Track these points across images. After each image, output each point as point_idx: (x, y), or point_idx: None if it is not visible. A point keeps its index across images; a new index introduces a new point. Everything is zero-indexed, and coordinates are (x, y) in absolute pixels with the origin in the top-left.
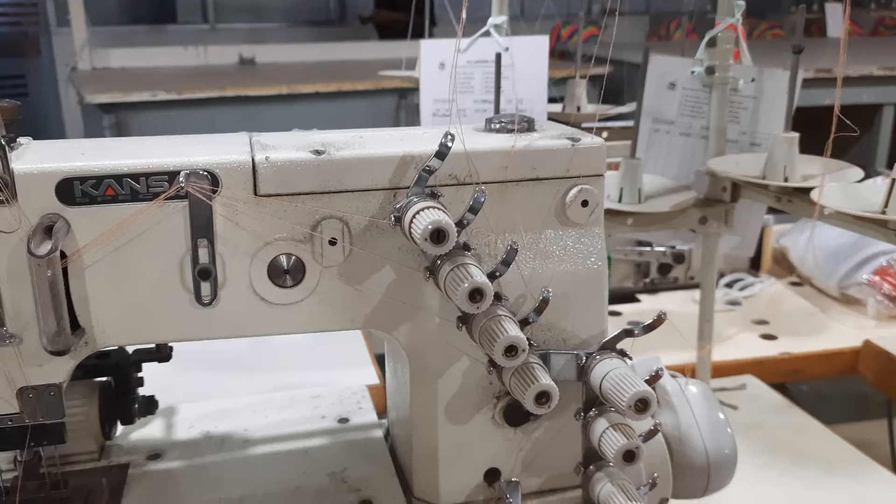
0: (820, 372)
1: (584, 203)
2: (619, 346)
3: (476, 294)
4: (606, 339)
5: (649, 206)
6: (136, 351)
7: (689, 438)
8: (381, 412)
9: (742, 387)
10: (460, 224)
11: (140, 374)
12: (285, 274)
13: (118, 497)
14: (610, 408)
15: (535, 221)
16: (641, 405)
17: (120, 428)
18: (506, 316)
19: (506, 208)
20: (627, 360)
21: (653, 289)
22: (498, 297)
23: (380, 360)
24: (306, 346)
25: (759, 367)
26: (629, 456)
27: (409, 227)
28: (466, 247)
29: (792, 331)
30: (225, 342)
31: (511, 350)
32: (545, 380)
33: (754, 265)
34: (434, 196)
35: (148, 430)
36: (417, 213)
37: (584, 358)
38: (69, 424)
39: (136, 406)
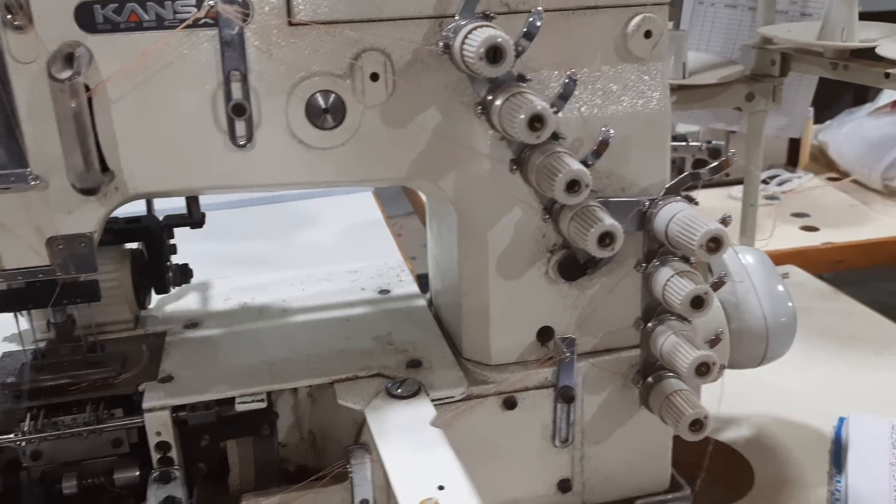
0: (863, 262)
1: (647, 34)
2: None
3: (536, 121)
4: (669, 183)
5: (694, 81)
6: (167, 217)
7: (746, 304)
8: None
9: (785, 276)
10: (514, 51)
11: (172, 242)
12: (324, 113)
13: (157, 360)
14: (673, 256)
15: (592, 55)
16: (714, 244)
17: (154, 299)
18: (565, 152)
19: (562, 40)
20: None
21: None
22: (555, 136)
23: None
24: (335, 248)
25: (801, 258)
26: (698, 302)
27: (462, 48)
28: (521, 78)
29: (833, 223)
30: (252, 241)
31: (573, 185)
32: (608, 220)
33: (791, 161)
34: (487, 17)
35: (182, 302)
36: (471, 31)
37: (647, 204)
38: (101, 291)
39: (170, 274)
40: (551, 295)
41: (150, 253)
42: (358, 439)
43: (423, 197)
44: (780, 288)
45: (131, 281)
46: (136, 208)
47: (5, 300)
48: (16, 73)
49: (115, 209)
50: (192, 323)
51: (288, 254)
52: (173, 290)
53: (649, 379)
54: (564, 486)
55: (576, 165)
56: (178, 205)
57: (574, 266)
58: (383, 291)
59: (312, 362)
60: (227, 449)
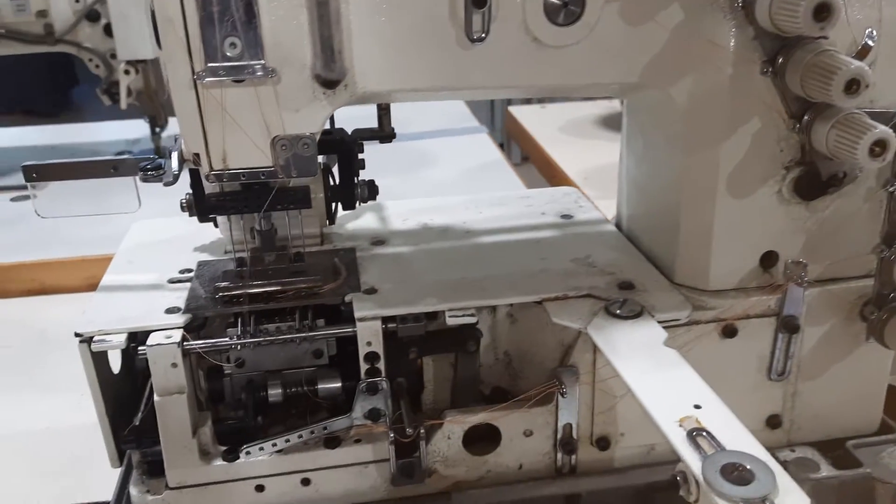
0: None
1: None
2: None
3: (822, 10)
4: None
5: None
6: (357, 130)
7: None
8: None
9: None
10: None
11: (362, 157)
12: (563, 7)
13: (355, 274)
14: None
15: None
16: None
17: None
18: (836, 51)
19: None
20: None
21: None
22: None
23: None
24: (457, 185)
25: None
26: None
27: None
28: None
29: None
30: (376, 177)
31: (852, 85)
32: (881, 126)
33: None
34: None
35: (362, 221)
36: None
37: None
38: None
39: (359, 190)
40: (781, 216)
41: (342, 166)
42: (564, 361)
43: (623, 114)
44: None
45: (325, 195)
46: None
47: (220, 203)
48: None
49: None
50: (378, 240)
51: (415, 189)
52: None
53: (883, 312)
54: (774, 422)
55: (854, 63)
56: None
57: (813, 183)
58: (566, 217)
59: (516, 281)
60: (423, 366)
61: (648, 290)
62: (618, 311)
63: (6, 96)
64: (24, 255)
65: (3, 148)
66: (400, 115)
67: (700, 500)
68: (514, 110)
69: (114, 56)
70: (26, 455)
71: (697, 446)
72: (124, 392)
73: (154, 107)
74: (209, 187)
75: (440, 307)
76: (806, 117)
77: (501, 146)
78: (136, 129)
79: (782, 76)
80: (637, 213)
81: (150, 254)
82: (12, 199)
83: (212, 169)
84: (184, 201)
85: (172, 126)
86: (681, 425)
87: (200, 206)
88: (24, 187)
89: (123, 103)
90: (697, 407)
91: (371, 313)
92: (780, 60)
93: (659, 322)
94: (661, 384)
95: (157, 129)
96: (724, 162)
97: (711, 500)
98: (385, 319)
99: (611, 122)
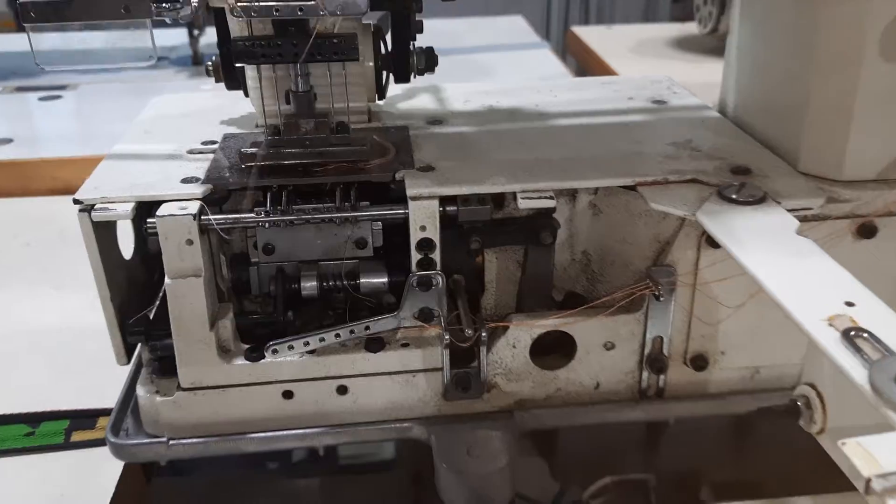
0: None
1: None
2: None
3: None
4: None
5: None
6: None
7: None
8: None
9: None
10: None
11: (420, 17)
12: None
13: (408, 150)
14: None
15: None
16: None
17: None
18: None
19: None
20: None
21: None
22: None
23: None
24: None
25: None
26: None
27: None
28: None
29: None
30: None
31: None
32: None
33: None
34: None
35: (417, 101)
36: None
37: None
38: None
39: (414, 58)
40: None
41: (395, 29)
42: (659, 261)
43: None
44: None
45: (374, 61)
46: None
47: (248, 50)
48: None
49: None
50: (436, 120)
51: None
52: (412, 82)
53: None
54: None
55: None
56: None
57: None
58: (658, 102)
59: (603, 163)
60: (485, 263)
61: (769, 176)
62: (734, 196)
63: None
64: (48, 153)
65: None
66: (452, 30)
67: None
68: (578, 30)
69: None
70: (42, 353)
71: (857, 349)
72: (137, 282)
73: None
74: (236, 31)
75: (511, 187)
76: None
77: None
78: (173, 36)
79: None
80: (750, 93)
81: (171, 125)
82: (40, 99)
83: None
84: (209, 65)
85: (211, 33)
86: (831, 324)
87: (226, 59)
88: (53, 88)
89: None
90: (850, 304)
91: (427, 191)
92: None
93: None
94: (800, 278)
95: (196, 33)
96: (875, 13)
97: (886, 416)
98: (443, 200)
99: (685, 45)
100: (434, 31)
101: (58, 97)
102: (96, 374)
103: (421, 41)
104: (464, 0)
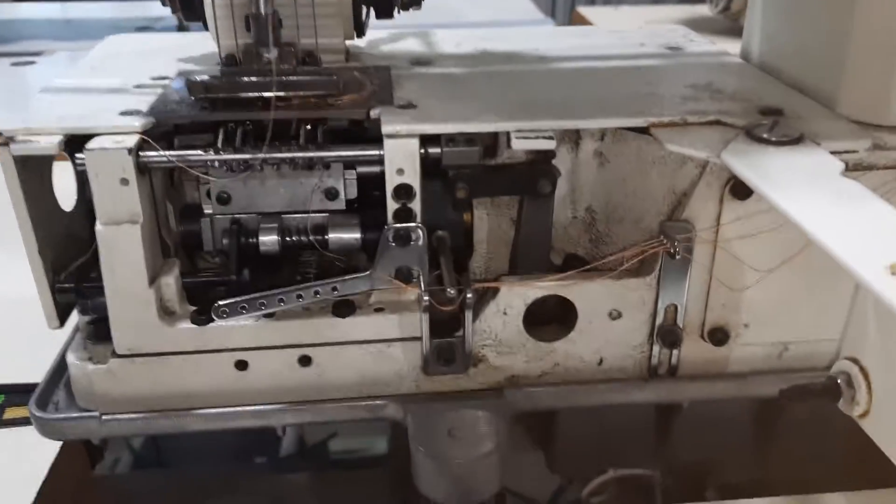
0: None
1: None
2: None
3: None
4: None
5: None
6: None
7: None
8: None
9: None
10: None
11: None
12: None
13: (388, 89)
14: None
15: None
16: None
17: (369, 30)
18: None
19: None
20: None
21: None
22: None
23: None
24: None
25: None
26: None
27: None
28: None
29: None
30: None
31: None
32: None
33: None
34: None
35: (402, 44)
36: None
37: None
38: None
39: None
40: None
41: None
42: (675, 216)
43: None
44: None
45: None
46: None
47: None
48: None
49: None
50: (422, 61)
51: None
52: (396, 19)
53: None
54: None
55: None
56: None
57: None
58: (673, 48)
59: (611, 104)
60: (473, 219)
61: (804, 118)
62: (765, 135)
63: None
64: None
65: (19, 20)
66: (451, 5)
67: None
68: (584, 10)
69: None
70: None
71: None
72: (77, 236)
73: None
74: None
75: (504, 126)
76: None
77: None
78: (158, 7)
79: None
80: (779, 35)
81: (122, 62)
82: (12, 64)
83: None
84: None
85: None
86: (894, 273)
87: None
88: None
89: None
90: None
91: (405, 128)
92: None
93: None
94: (853, 224)
95: None
96: None
97: None
98: (425, 140)
99: (695, 26)
100: (432, 5)
101: (31, 62)
102: (36, 345)
103: (416, 14)
104: None
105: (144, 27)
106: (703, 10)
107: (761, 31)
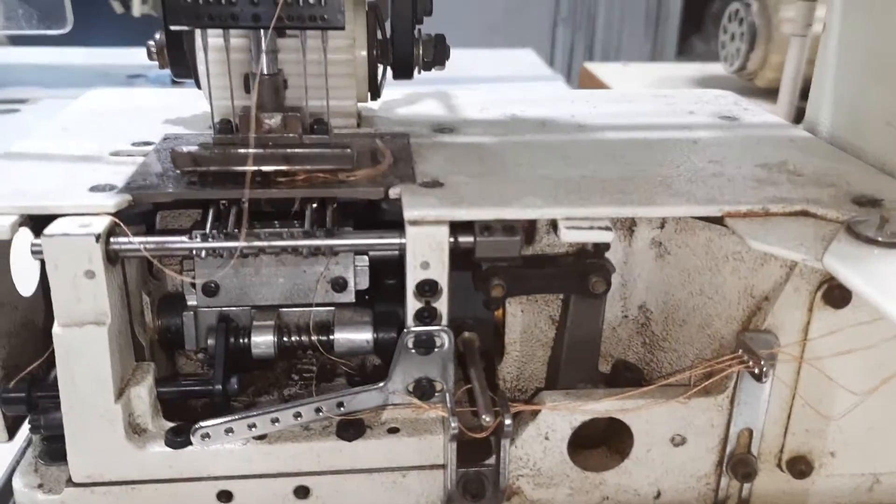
0: None
1: None
2: None
3: None
4: None
5: None
6: None
7: None
8: None
9: None
10: None
11: None
12: None
13: (408, 160)
14: None
15: None
16: None
17: (383, 95)
18: None
19: None
20: None
21: None
22: None
23: None
24: None
25: None
26: None
27: None
28: None
29: None
30: None
31: None
32: None
33: None
34: None
35: (421, 107)
36: None
37: None
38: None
39: (420, 49)
40: None
41: (397, 4)
42: (752, 324)
43: None
44: None
45: (367, 50)
46: None
47: (194, 9)
48: None
49: None
50: (445, 128)
51: None
52: (416, 80)
53: None
54: None
55: None
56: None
57: None
58: (727, 118)
59: (673, 186)
60: (506, 316)
61: None
62: (871, 234)
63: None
64: None
65: (4, 65)
66: (459, 61)
67: None
68: (592, 67)
69: None
70: None
71: None
72: (36, 329)
73: None
74: None
75: (551, 212)
76: None
77: None
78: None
79: None
80: (859, 104)
81: (100, 122)
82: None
83: None
84: (151, 44)
85: None
86: None
87: (173, 39)
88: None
89: (136, 10)
90: None
91: (433, 213)
92: None
93: None
94: None
95: None
96: None
97: None
98: (455, 227)
99: (710, 84)
100: None
101: (15, 111)
102: None
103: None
104: (467, 35)
105: (137, 75)
106: (717, 69)
107: (834, 100)
